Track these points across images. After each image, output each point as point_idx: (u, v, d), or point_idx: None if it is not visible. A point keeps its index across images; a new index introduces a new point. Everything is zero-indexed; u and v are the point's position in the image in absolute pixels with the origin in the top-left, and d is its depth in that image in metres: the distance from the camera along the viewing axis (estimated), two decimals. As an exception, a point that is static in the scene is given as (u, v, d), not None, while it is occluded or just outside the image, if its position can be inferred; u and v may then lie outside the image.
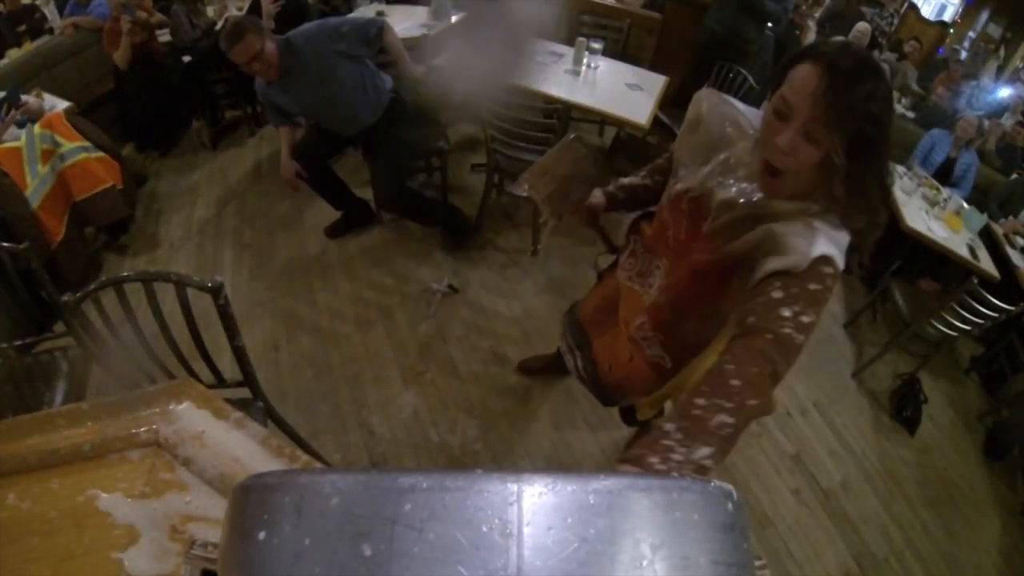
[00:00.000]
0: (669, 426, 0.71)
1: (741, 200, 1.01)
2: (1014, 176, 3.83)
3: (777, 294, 0.84)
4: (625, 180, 1.42)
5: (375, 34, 2.40)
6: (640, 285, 1.34)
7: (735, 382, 0.75)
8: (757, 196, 0.99)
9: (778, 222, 0.91)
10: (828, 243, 0.87)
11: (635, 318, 1.32)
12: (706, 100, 1.13)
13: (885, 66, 4.23)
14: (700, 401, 0.73)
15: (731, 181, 1.04)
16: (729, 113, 1.09)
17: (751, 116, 1.06)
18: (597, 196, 1.40)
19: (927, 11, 7.93)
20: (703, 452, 0.68)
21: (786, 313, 0.82)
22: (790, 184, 0.90)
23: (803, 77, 0.83)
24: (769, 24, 4.07)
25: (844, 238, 0.90)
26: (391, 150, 2.62)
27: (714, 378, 0.77)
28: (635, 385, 1.44)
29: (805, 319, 0.82)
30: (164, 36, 3.58)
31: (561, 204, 1.46)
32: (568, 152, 1.44)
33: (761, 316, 0.83)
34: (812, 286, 0.85)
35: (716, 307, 1.10)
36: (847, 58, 0.81)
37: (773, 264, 0.87)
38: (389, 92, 2.56)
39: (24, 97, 2.59)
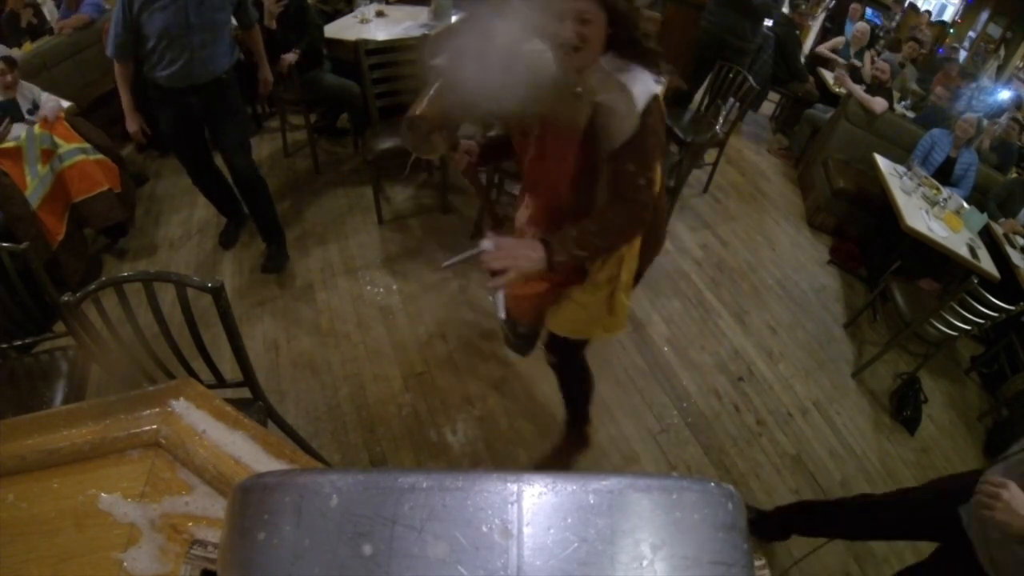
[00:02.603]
0: (571, 230, 1.18)
1: (564, 89, 1.18)
2: (1013, 175, 3.84)
3: (631, 166, 1.15)
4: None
5: (247, 8, 2.51)
6: (519, 215, 1.56)
7: (610, 224, 1.20)
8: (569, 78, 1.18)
9: (596, 94, 1.14)
10: (640, 86, 1.12)
11: (523, 235, 1.50)
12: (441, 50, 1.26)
13: (885, 64, 4.23)
14: (590, 226, 1.19)
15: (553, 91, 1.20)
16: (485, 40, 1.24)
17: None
18: (469, 143, 1.46)
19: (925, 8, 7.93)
20: (581, 252, 1.18)
21: (641, 181, 1.16)
22: (588, 54, 1.13)
23: None
24: (768, 23, 4.07)
25: (642, 72, 1.15)
26: (236, 119, 2.58)
27: (600, 217, 1.20)
28: (540, 303, 1.62)
29: (651, 176, 1.18)
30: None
31: (452, 135, 1.42)
32: (438, 98, 1.33)
33: (625, 189, 1.18)
34: (651, 141, 1.15)
35: (589, 182, 1.29)
36: None
37: (617, 138, 1.14)
38: (235, 49, 2.54)
39: (44, 96, 2.60)
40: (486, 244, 1.13)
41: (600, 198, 1.31)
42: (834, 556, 2.01)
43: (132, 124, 2.50)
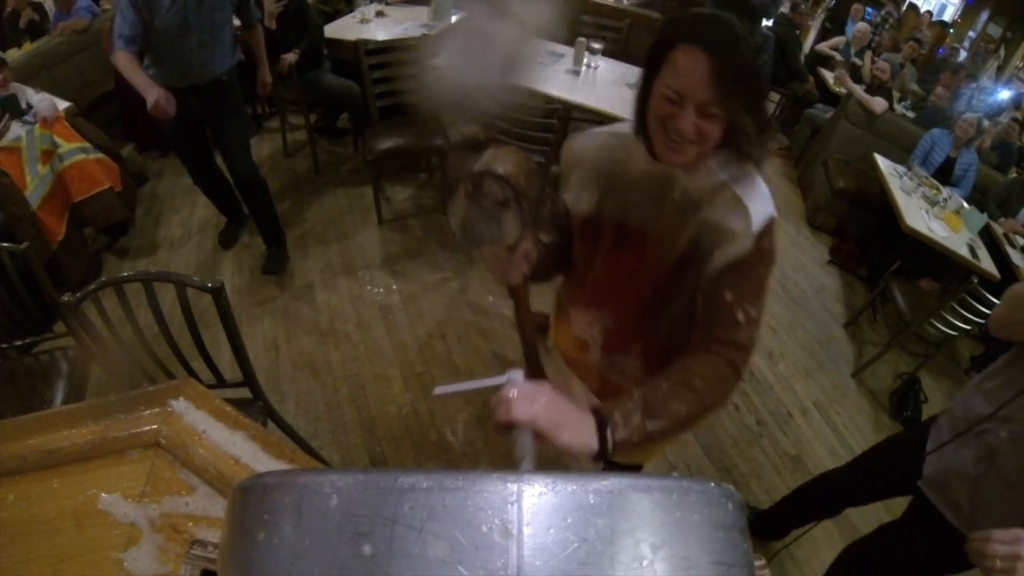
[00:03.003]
0: (636, 394, 0.81)
1: (659, 191, 0.98)
2: (1013, 175, 3.84)
3: (729, 295, 0.91)
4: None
5: (251, 9, 2.50)
6: (581, 351, 1.24)
7: (698, 382, 0.85)
8: (668, 178, 0.97)
9: (704, 207, 0.93)
10: (759, 202, 0.91)
11: (591, 356, 1.23)
12: (575, 143, 1.09)
13: (885, 64, 4.23)
14: (665, 386, 0.84)
15: (648, 188, 1.00)
16: (603, 139, 1.06)
17: (623, 128, 1.03)
18: (527, 246, 0.97)
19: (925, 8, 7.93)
20: (656, 425, 0.79)
21: (740, 318, 0.91)
22: (695, 150, 0.89)
23: (686, 63, 0.83)
24: (768, 23, 4.07)
25: (760, 182, 0.95)
26: (237, 120, 2.55)
27: (681, 372, 0.87)
28: None
29: (754, 312, 0.92)
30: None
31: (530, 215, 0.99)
32: (521, 157, 0.97)
33: (718, 326, 0.92)
34: (761, 269, 0.92)
35: (682, 304, 1.04)
36: (717, 29, 0.83)
37: (721, 258, 0.92)
38: (237, 50, 2.51)
39: (36, 98, 2.59)
40: (512, 379, 0.73)
41: (679, 330, 1.05)
42: (834, 555, 2.01)
43: (153, 95, 2.18)
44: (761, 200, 0.92)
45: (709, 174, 0.93)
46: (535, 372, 1.15)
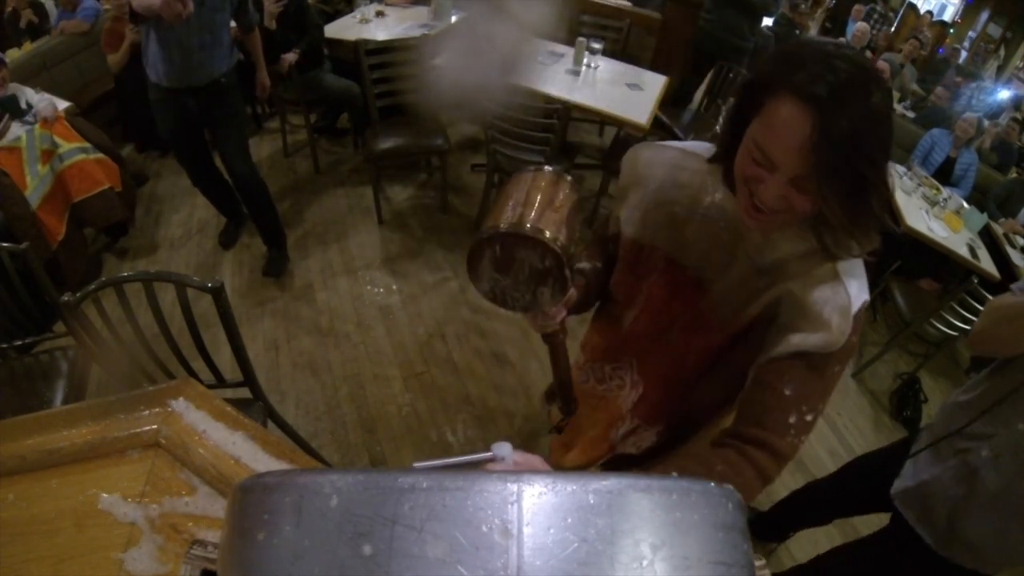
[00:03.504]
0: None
1: (739, 254, 0.81)
2: (1013, 176, 3.84)
3: (789, 390, 0.74)
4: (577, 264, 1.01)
5: (248, 13, 2.47)
6: (605, 387, 1.09)
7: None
8: (749, 238, 0.80)
9: (791, 276, 0.76)
10: (858, 285, 0.75)
11: (616, 425, 1.09)
12: (641, 154, 0.93)
13: (885, 64, 4.23)
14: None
15: (717, 230, 0.83)
16: (673, 158, 0.89)
17: (698, 149, 0.88)
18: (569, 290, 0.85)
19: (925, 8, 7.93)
20: None
21: (792, 420, 0.74)
22: (781, 219, 0.73)
23: (785, 123, 0.64)
24: (768, 23, 4.07)
25: (860, 261, 0.77)
26: (236, 122, 2.53)
27: (701, 466, 0.73)
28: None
29: (810, 417, 0.75)
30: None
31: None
32: (559, 187, 0.79)
33: (763, 426, 0.75)
34: (836, 368, 0.75)
35: (726, 381, 0.88)
36: (839, 89, 0.61)
37: (797, 344, 0.74)
38: (235, 52, 2.49)
39: (36, 98, 2.59)
40: (498, 455, 0.67)
41: (708, 408, 0.94)
42: (825, 535, 2.01)
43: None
44: (860, 283, 0.75)
45: (801, 240, 0.76)
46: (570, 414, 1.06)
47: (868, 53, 5.07)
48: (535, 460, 0.65)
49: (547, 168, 0.78)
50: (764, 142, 0.67)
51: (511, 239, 0.69)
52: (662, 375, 0.98)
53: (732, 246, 0.81)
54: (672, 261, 0.89)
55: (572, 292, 0.83)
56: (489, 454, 0.65)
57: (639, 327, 0.97)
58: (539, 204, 0.71)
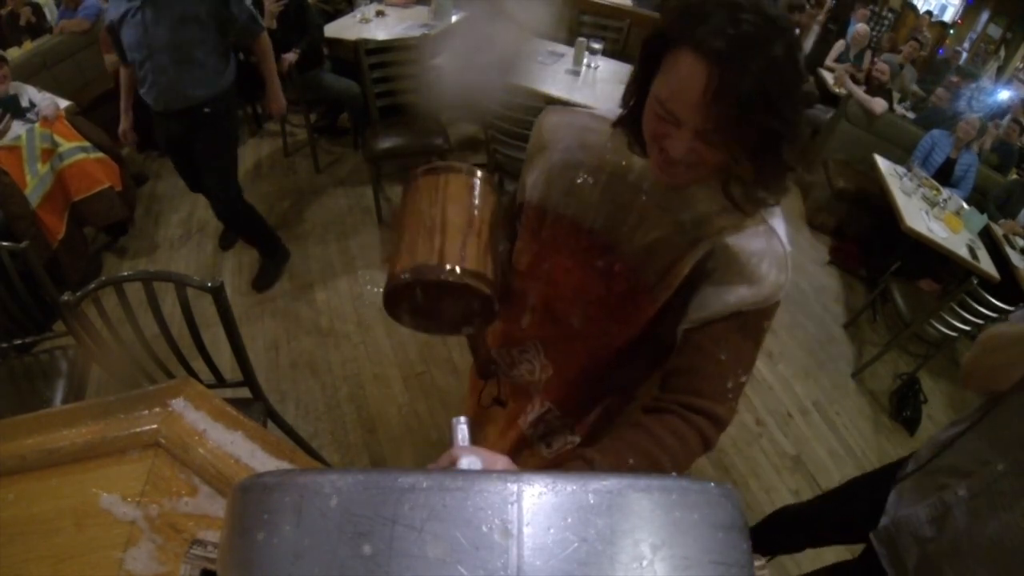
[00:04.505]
0: (590, 453, 0.68)
1: (655, 210, 0.77)
2: (1013, 177, 3.84)
3: (724, 354, 0.73)
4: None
5: (241, 27, 2.14)
6: (516, 371, 1.03)
7: (666, 459, 0.69)
8: (663, 195, 0.77)
9: (726, 231, 0.73)
10: (783, 228, 0.75)
11: (527, 409, 1.03)
12: (548, 118, 0.89)
13: (885, 65, 4.23)
14: (632, 460, 0.68)
15: (625, 190, 0.79)
16: (580, 121, 0.86)
17: (608, 114, 0.82)
18: None
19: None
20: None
21: (730, 385, 0.74)
22: (692, 174, 0.70)
23: (684, 79, 0.62)
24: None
25: (779, 211, 0.76)
26: (220, 158, 2.34)
27: (648, 440, 0.71)
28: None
29: (744, 379, 0.75)
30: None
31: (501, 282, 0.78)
32: (474, 194, 0.75)
33: (702, 393, 0.73)
34: (765, 324, 0.75)
35: (655, 341, 0.84)
36: (739, 42, 0.59)
37: (731, 303, 0.72)
38: (230, 78, 2.23)
39: (39, 96, 2.59)
40: (464, 462, 0.56)
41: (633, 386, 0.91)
42: (834, 555, 2.01)
43: (123, 124, 2.44)
44: (784, 231, 0.75)
45: (721, 203, 0.73)
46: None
47: (867, 53, 5.06)
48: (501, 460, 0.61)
49: (457, 167, 0.72)
50: (666, 98, 0.65)
51: (433, 286, 0.63)
52: (574, 357, 0.92)
53: (644, 206, 0.78)
54: (578, 226, 0.83)
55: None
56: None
57: (545, 303, 0.91)
58: (458, 228, 0.64)
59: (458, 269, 0.62)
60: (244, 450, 0.78)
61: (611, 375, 0.92)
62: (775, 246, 0.72)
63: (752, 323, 0.74)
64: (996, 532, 0.92)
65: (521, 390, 1.04)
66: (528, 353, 0.99)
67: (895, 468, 1.29)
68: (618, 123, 0.77)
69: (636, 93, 0.72)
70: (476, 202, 0.68)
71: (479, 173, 0.73)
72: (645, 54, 0.69)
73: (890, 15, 7.34)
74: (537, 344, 0.96)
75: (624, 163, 0.79)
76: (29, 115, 2.49)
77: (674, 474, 0.60)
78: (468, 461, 0.54)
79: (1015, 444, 0.93)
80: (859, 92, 3.90)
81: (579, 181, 0.83)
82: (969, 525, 0.98)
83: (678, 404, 0.74)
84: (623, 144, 0.78)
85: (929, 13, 7.69)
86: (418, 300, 0.66)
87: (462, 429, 0.58)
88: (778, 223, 0.75)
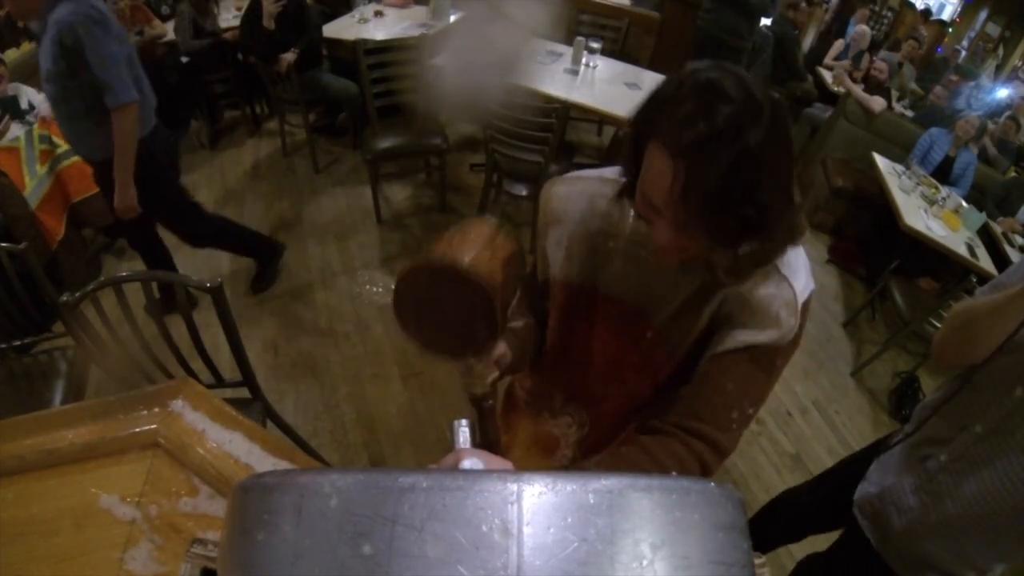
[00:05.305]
0: (588, 465, 0.69)
1: (678, 274, 0.77)
2: (1012, 175, 3.84)
3: (731, 385, 0.73)
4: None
5: (92, 86, 1.72)
6: (555, 422, 1.04)
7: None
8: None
9: (738, 283, 0.73)
10: (802, 276, 0.74)
11: (554, 454, 1.05)
12: (554, 191, 0.88)
13: (883, 64, 4.23)
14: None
15: (647, 256, 0.79)
16: (589, 188, 0.85)
17: (614, 175, 0.82)
18: (501, 348, 0.81)
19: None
20: None
21: (735, 415, 0.74)
22: (683, 254, 0.70)
23: (656, 175, 0.62)
24: (766, 22, 4.07)
25: (801, 250, 0.75)
26: (149, 208, 2.05)
27: (649, 460, 0.71)
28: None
29: (752, 411, 0.75)
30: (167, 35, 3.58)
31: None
32: (496, 235, 0.72)
33: (705, 420, 0.74)
34: (780, 362, 0.76)
35: (675, 388, 0.84)
36: (706, 133, 0.56)
37: (742, 340, 0.73)
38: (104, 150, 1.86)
39: (38, 97, 2.58)
40: (467, 464, 0.52)
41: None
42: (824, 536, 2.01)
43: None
44: (804, 274, 0.74)
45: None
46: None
47: (866, 54, 5.07)
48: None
49: (487, 217, 0.74)
50: (644, 190, 0.65)
51: (439, 274, 0.64)
52: (610, 414, 0.95)
53: (668, 270, 0.77)
54: (609, 298, 0.84)
55: (506, 351, 0.80)
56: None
57: (588, 374, 0.92)
58: (473, 243, 0.66)
59: (466, 259, 0.63)
60: (243, 450, 0.78)
61: (633, 416, 0.94)
62: (784, 291, 0.73)
63: (764, 358, 0.74)
64: (978, 491, 0.95)
65: (547, 436, 1.05)
66: (570, 407, 1.00)
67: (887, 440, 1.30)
68: (622, 194, 0.77)
69: (631, 173, 0.71)
70: (496, 237, 0.69)
71: (503, 225, 0.74)
72: (631, 139, 0.68)
73: (889, 14, 7.34)
74: (584, 404, 0.98)
75: (643, 230, 0.77)
76: (28, 116, 2.48)
77: (674, 474, 0.61)
78: (471, 463, 0.54)
79: (992, 405, 0.95)
80: (858, 91, 3.90)
81: (600, 251, 0.83)
82: (952, 488, 0.99)
83: (679, 427, 0.74)
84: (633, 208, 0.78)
85: (927, 10, 7.70)
86: (423, 291, 0.66)
87: (463, 432, 0.58)
88: (795, 268, 0.74)
